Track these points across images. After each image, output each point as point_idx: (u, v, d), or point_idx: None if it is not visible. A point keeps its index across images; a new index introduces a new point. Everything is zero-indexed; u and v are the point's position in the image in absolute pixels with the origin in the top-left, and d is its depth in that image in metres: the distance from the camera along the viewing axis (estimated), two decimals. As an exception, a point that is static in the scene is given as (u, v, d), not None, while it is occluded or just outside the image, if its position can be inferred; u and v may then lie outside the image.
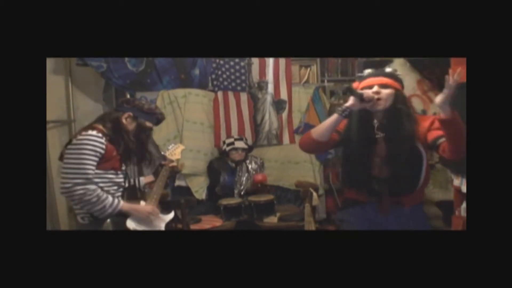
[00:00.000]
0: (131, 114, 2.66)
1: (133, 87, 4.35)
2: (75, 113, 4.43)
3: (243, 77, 4.61)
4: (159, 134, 4.36)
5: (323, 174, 4.95)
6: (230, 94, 4.62)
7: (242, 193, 4.19)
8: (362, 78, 2.42)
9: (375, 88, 2.31)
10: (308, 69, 4.85)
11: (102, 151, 2.50)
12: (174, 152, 3.17)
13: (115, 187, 2.64)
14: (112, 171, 2.60)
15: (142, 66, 4.34)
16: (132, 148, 2.64)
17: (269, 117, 4.70)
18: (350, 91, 2.26)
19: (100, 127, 2.59)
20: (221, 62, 4.57)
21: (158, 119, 2.79)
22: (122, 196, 2.65)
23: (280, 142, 4.76)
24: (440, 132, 2.24)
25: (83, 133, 2.53)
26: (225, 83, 4.59)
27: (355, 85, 2.45)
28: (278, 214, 3.94)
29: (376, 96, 2.29)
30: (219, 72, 4.57)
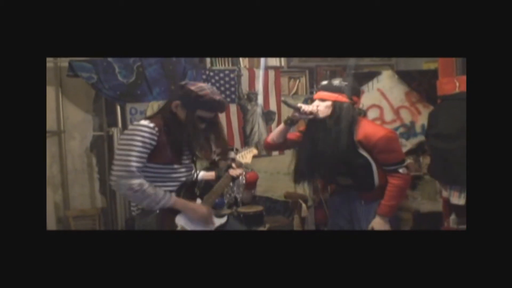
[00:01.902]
0: (178, 102, 2.44)
1: (123, 98, 4.35)
2: (65, 124, 4.43)
3: (232, 89, 4.63)
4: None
5: (312, 186, 4.97)
6: (220, 106, 4.61)
7: (238, 203, 4.18)
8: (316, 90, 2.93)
9: (316, 102, 2.76)
10: (297, 80, 4.88)
11: (154, 142, 2.34)
12: (245, 155, 2.96)
13: (173, 183, 2.47)
14: (168, 165, 2.43)
15: (133, 77, 4.35)
16: (186, 139, 2.43)
17: (258, 128, 4.72)
18: (286, 104, 2.84)
19: (157, 117, 2.44)
20: (211, 73, 4.59)
21: (214, 106, 2.48)
22: (179, 191, 2.47)
23: (269, 153, 4.76)
24: (397, 158, 2.73)
25: (135, 123, 2.40)
26: (215, 94, 4.59)
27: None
28: (267, 225, 3.95)
29: (315, 109, 2.72)
30: (209, 84, 4.56)
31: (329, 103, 2.71)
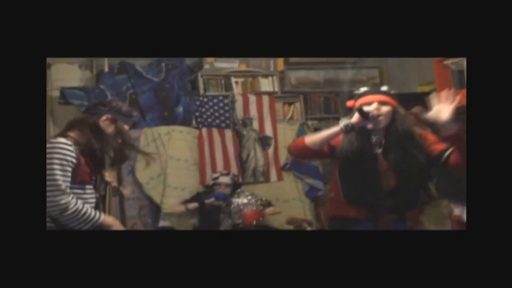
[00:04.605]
0: (109, 116, 2.47)
1: (116, 124, 4.32)
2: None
3: (227, 114, 4.64)
4: (142, 172, 4.27)
5: (314, 213, 4.84)
6: (215, 131, 4.62)
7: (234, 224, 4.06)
8: (358, 96, 2.38)
9: (375, 105, 2.25)
10: (292, 106, 4.90)
11: (74, 160, 2.30)
12: None
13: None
14: (80, 185, 2.37)
15: (125, 104, 4.31)
16: (110, 151, 2.46)
17: (255, 154, 4.68)
18: (360, 111, 2.21)
19: (73, 134, 2.38)
20: (204, 99, 4.62)
21: (135, 122, 2.64)
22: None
23: (267, 179, 4.71)
24: (443, 146, 2.25)
25: (52, 140, 2.32)
26: (209, 120, 4.61)
27: (349, 103, 2.43)
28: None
29: (376, 113, 2.24)
30: (203, 109, 4.60)
31: (390, 108, 2.28)
